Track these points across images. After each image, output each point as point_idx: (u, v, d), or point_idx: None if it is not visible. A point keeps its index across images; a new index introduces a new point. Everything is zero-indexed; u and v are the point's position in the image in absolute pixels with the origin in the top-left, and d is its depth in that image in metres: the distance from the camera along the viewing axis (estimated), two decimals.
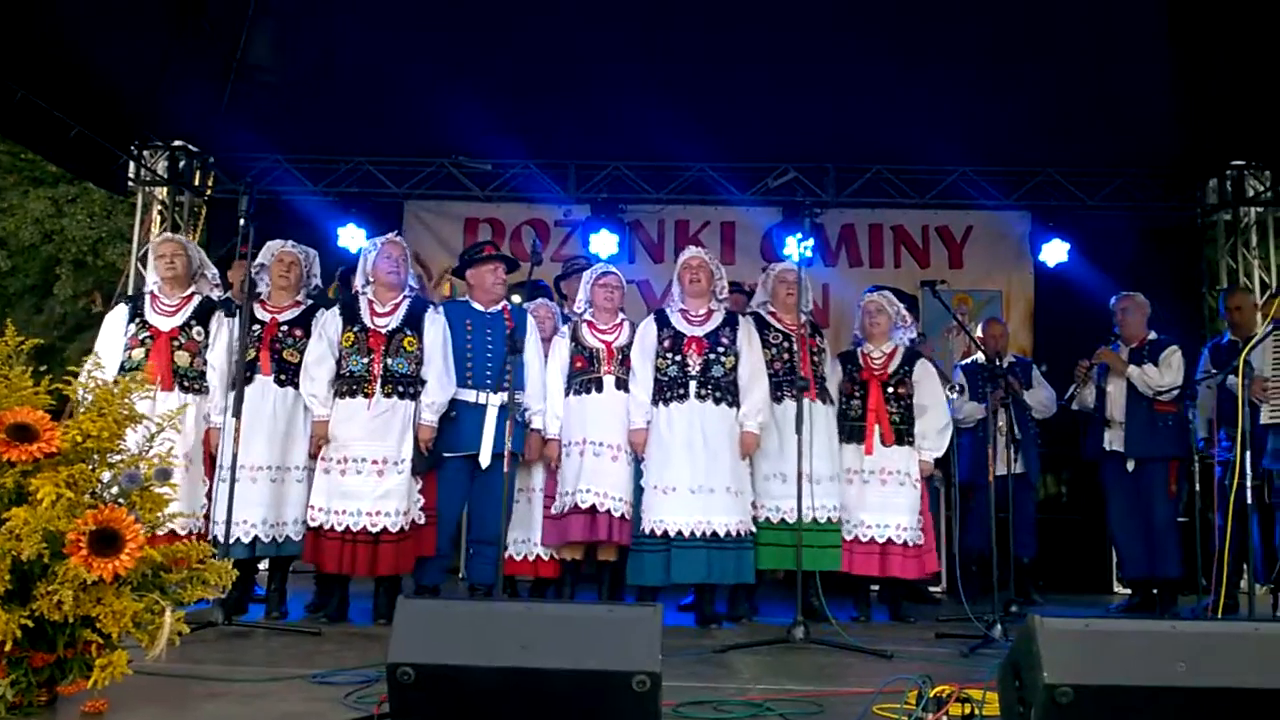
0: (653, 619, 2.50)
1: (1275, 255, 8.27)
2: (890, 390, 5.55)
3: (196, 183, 8.40)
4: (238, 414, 4.45)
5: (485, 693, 2.43)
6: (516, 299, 5.93)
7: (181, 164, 8.23)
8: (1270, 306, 4.88)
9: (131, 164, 7.99)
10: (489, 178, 8.27)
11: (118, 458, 2.89)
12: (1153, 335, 6.23)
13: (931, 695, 2.61)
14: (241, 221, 4.53)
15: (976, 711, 2.64)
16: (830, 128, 7.79)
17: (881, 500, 5.44)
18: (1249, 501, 4.47)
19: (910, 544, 5.41)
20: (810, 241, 7.68)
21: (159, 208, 8.26)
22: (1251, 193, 8.34)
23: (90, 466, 2.81)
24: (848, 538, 5.39)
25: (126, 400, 2.91)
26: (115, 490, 2.80)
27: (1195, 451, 5.87)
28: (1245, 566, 5.31)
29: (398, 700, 2.45)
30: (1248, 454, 4.42)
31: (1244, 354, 4.35)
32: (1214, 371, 5.76)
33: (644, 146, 7.96)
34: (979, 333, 7.05)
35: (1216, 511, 5.65)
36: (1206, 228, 8.69)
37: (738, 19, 7.19)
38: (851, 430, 5.53)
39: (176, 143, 8.13)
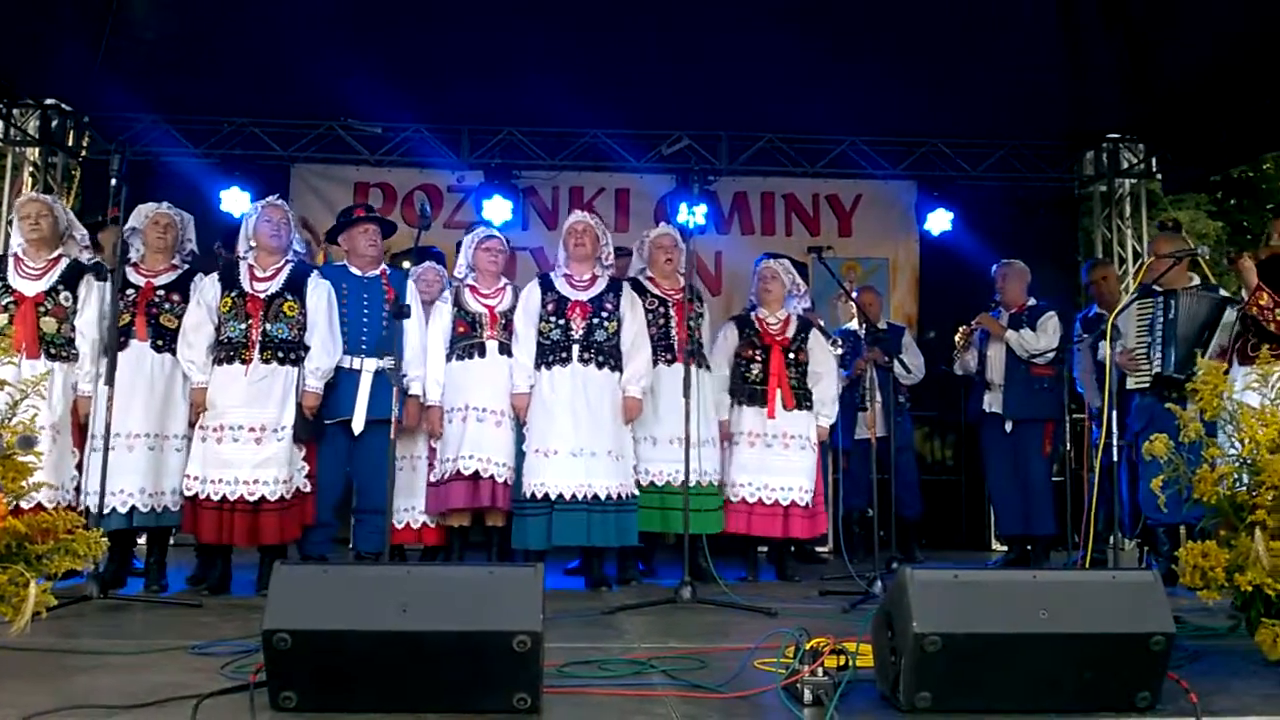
0: (534, 579, 2.51)
1: (1148, 226, 8.62)
2: (791, 356, 5.64)
3: (70, 143, 8.05)
4: (110, 381, 4.30)
5: (364, 657, 2.41)
6: (407, 265, 5.85)
7: (54, 123, 7.89)
8: (1141, 273, 5.08)
9: (0, 123, 7.62)
10: (379, 141, 8.13)
11: None
12: (1031, 301, 6.45)
13: (808, 647, 2.67)
14: (113, 182, 4.36)
15: (851, 663, 2.71)
16: (723, 96, 7.84)
17: (784, 463, 5.53)
18: (1115, 460, 4.66)
19: (807, 505, 5.53)
20: (702, 208, 7.80)
21: (30, 169, 7.91)
22: (1126, 165, 8.67)
23: None
24: (750, 500, 5.47)
25: None
26: None
27: (1074, 413, 6.09)
28: (1114, 523, 5.55)
29: (274, 667, 2.42)
30: (1114, 414, 4.60)
31: (1111, 318, 4.53)
32: (1085, 336, 5.99)
33: (538, 112, 7.90)
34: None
35: (1088, 470, 5.89)
36: (1083, 199, 9.00)
37: None
38: (752, 394, 5.59)
39: (48, 101, 7.78)
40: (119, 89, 7.39)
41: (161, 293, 4.92)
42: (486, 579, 2.51)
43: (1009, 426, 6.32)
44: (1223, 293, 5.38)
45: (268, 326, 4.78)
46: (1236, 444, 3.08)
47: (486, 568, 2.56)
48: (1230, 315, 5.12)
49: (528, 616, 2.42)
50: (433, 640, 2.40)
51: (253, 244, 4.94)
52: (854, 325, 6.88)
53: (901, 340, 7.04)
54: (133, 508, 4.69)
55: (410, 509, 5.27)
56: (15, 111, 7.71)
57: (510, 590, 2.47)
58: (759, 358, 5.63)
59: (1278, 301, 4.38)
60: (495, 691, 2.44)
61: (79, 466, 4.69)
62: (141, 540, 5.17)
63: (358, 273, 5.15)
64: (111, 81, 7.39)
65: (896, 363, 6.81)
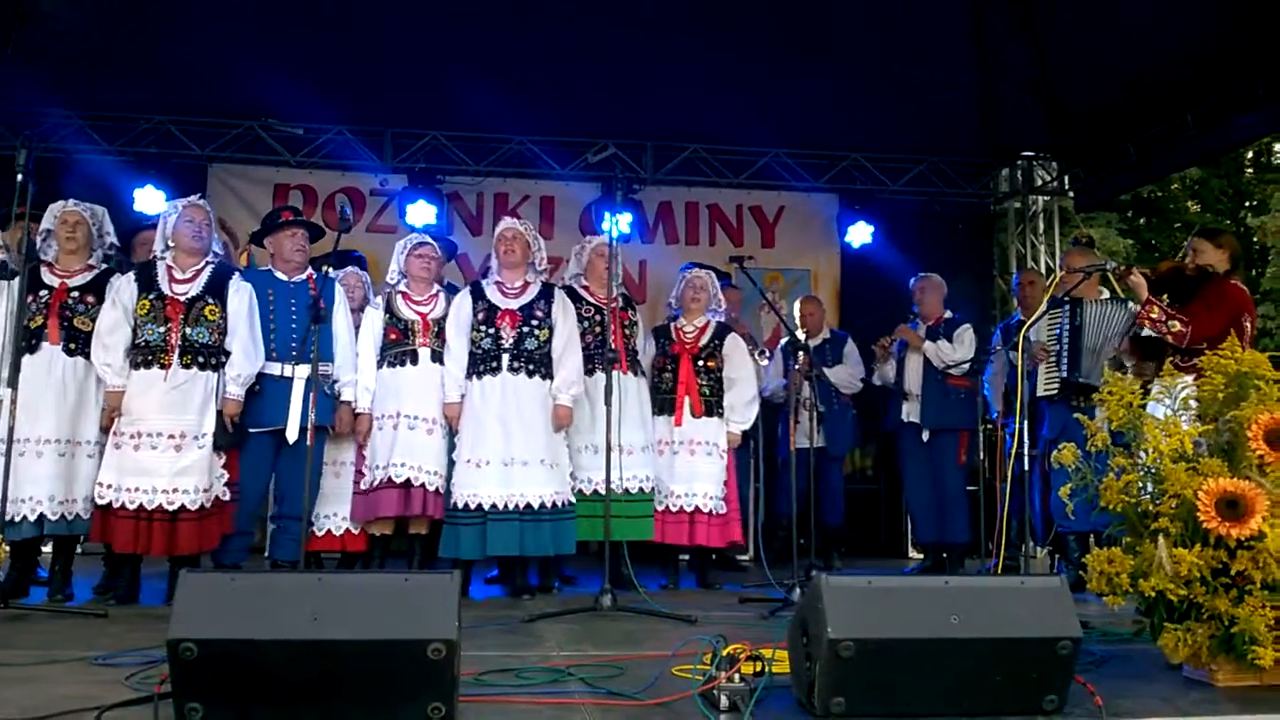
0: (450, 586, 2.48)
1: (1060, 242, 8.86)
2: (700, 363, 5.67)
3: None
4: (14, 384, 4.15)
5: (274, 667, 2.35)
6: (327, 269, 5.75)
7: None
8: (1052, 287, 5.23)
9: None
10: (301, 142, 8.01)
11: None
12: (948, 314, 6.58)
13: (725, 654, 2.68)
14: (19, 178, 4.21)
15: (767, 669, 2.73)
16: (649, 106, 7.90)
17: (690, 470, 5.55)
18: (1025, 469, 4.77)
19: (715, 513, 5.55)
20: (627, 216, 7.82)
21: None
22: (1039, 182, 8.91)
23: None
24: (659, 508, 5.49)
25: None
26: None
27: (986, 423, 6.23)
28: (1025, 530, 5.67)
29: (180, 678, 2.35)
30: (1025, 424, 4.71)
31: (1023, 330, 4.63)
32: (1000, 349, 6.13)
33: (464, 117, 7.87)
34: (796, 309, 7.29)
35: (1000, 480, 6.01)
36: (998, 215, 9.22)
37: None
38: (663, 403, 5.63)
39: None
40: (28, 82, 7.16)
41: (76, 294, 4.77)
42: (401, 586, 2.47)
43: (925, 436, 6.44)
44: (1131, 306, 5.55)
45: (188, 330, 4.65)
46: (1142, 453, 3.16)
47: (401, 574, 2.52)
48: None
49: (443, 624, 2.39)
50: (345, 649, 2.36)
51: (171, 244, 4.79)
52: (801, 335, 6.96)
53: (843, 349, 7.13)
54: (41, 515, 4.54)
55: (333, 515, 5.18)
56: None
57: (425, 598, 2.44)
58: (670, 366, 5.66)
59: (1169, 314, 4.52)
60: (410, 701, 2.40)
61: None
62: (46, 549, 5.00)
63: (284, 277, 5.05)
64: (19, 74, 7.17)
65: (833, 372, 6.94)
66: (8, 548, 4.54)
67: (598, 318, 5.40)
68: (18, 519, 4.46)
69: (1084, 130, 8.00)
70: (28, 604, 4.50)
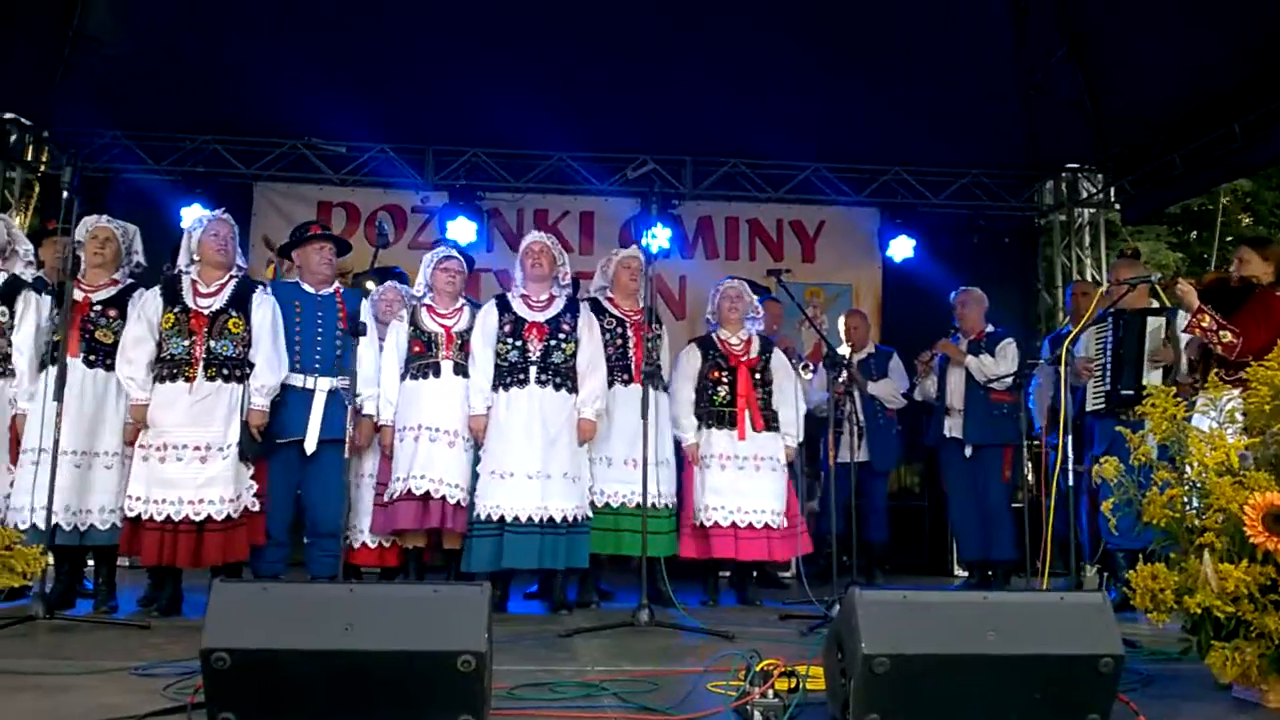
0: (479, 598, 2.48)
1: (1107, 255, 8.73)
2: (757, 376, 5.64)
3: (29, 158, 7.96)
4: (59, 397, 4.21)
5: (306, 677, 2.36)
6: (370, 285, 5.81)
7: (13, 138, 7.79)
8: (1097, 301, 5.14)
9: None
10: (344, 160, 8.12)
11: None
12: (990, 328, 6.50)
13: (758, 669, 2.65)
14: (65, 195, 4.30)
15: (802, 685, 2.69)
16: (689, 121, 7.93)
17: (757, 485, 5.50)
18: (1070, 485, 4.68)
19: (781, 526, 5.52)
20: (668, 231, 7.84)
21: None
22: (1085, 194, 8.79)
23: None
24: (725, 524, 5.43)
25: None
26: None
27: (1031, 438, 6.14)
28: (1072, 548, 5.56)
29: (213, 687, 2.36)
30: (1069, 439, 4.63)
31: (1066, 344, 4.57)
32: (1045, 362, 6.04)
33: (504, 134, 7.94)
34: (840, 323, 7.24)
35: (1046, 496, 5.92)
36: (1043, 228, 9.10)
37: (600, 10, 7.23)
38: (720, 416, 5.57)
39: (7, 115, 7.68)
40: (79, 104, 7.35)
41: (98, 308, 4.84)
42: (431, 598, 2.47)
43: (969, 452, 6.35)
44: (1181, 316, 5.45)
45: (212, 343, 4.68)
46: (1186, 467, 3.09)
47: (431, 586, 2.52)
48: (1154, 323, 5.22)
49: (472, 636, 2.38)
50: (376, 660, 2.36)
51: (196, 259, 4.85)
52: (844, 350, 6.91)
53: (889, 364, 7.06)
54: (54, 525, 4.55)
55: (353, 528, 5.18)
56: None
57: (455, 609, 2.43)
58: (725, 379, 5.61)
59: (1220, 324, 4.44)
60: (440, 712, 2.40)
61: (12, 484, 4.60)
62: (92, 562, 5.07)
63: (311, 290, 5.08)
64: (71, 96, 7.35)
65: (877, 386, 6.88)
66: (51, 559, 4.61)
67: (619, 330, 5.39)
68: (23, 526, 4.42)
69: (1130, 142, 7.89)
70: (74, 615, 4.56)
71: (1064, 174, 8.77)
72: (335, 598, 2.45)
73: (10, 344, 4.72)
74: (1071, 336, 4.87)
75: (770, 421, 5.61)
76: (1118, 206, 8.72)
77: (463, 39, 7.31)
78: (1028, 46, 7.86)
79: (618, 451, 5.23)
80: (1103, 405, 5.57)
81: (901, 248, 8.36)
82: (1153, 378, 5.35)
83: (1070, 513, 5.27)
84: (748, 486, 5.49)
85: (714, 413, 5.57)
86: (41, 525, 4.44)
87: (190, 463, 4.58)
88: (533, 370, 5.02)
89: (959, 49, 7.66)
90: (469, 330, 5.16)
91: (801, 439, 5.78)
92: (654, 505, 5.14)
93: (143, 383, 4.67)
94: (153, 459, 4.60)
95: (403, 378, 5.14)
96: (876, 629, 2.51)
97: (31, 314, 4.73)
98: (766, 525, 5.47)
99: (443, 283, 5.25)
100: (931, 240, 8.37)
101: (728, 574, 5.98)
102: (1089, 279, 8.58)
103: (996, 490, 6.32)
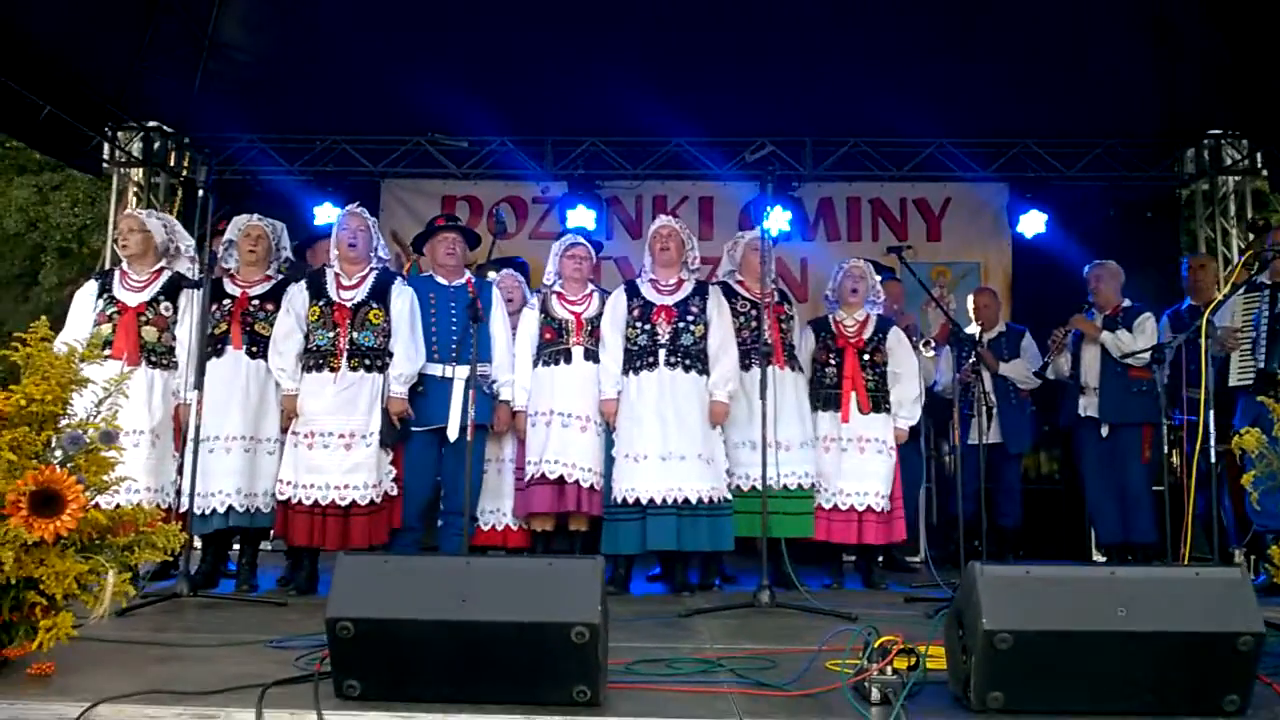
0: (593, 572, 2.50)
1: None
2: (866, 358, 5.54)
3: (171, 163, 8.35)
4: (199, 386, 4.45)
5: (424, 646, 2.43)
6: (492, 274, 5.92)
7: (156, 145, 8.17)
8: (1235, 273, 4.87)
9: (106, 146, 7.94)
10: (466, 155, 8.26)
11: (65, 422, 2.88)
12: (1126, 303, 6.25)
13: (876, 646, 2.61)
14: (200, 193, 4.50)
15: (921, 663, 2.63)
16: (807, 101, 7.80)
17: (860, 468, 5.42)
18: (1212, 463, 4.45)
19: (883, 510, 5.42)
20: (787, 214, 7.75)
21: (134, 190, 8.22)
22: (1229, 161, 8.32)
23: (35, 430, 2.80)
24: (825, 505, 5.39)
25: (72, 365, 2.90)
26: (59, 454, 2.80)
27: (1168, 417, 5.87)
28: (1213, 528, 5.30)
29: (338, 656, 2.45)
30: (1210, 415, 4.40)
31: (1206, 314, 4.34)
32: (1175, 336, 5.76)
33: (621, 122, 7.94)
34: (969, 302, 7.06)
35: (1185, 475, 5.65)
36: (1185, 199, 8.67)
37: None
38: (828, 398, 5.51)
39: (150, 123, 8.06)
40: (216, 110, 7.66)
41: (256, 302, 5.09)
42: (545, 571, 2.51)
43: (1105, 431, 6.12)
44: None
45: (355, 335, 4.88)
46: None
47: (545, 560, 2.56)
48: None
49: (586, 608, 2.41)
50: (491, 630, 2.41)
51: (336, 253, 5.05)
52: (973, 329, 6.74)
53: (1020, 343, 6.85)
54: (230, 508, 4.83)
55: (496, 510, 5.33)
56: (120, 134, 8.01)
57: (569, 582, 2.47)
58: (834, 361, 5.54)
59: None
60: (555, 683, 2.44)
61: (180, 470, 4.84)
62: (237, 544, 5.32)
63: (443, 282, 5.23)
64: (209, 103, 7.67)
65: (1009, 366, 6.68)
66: (199, 540, 4.86)
67: (753, 313, 5.35)
68: (208, 512, 4.77)
69: (1276, 104, 7.43)
70: (217, 594, 4.79)
71: (1205, 141, 8.32)
72: (452, 570, 2.51)
73: (175, 338, 4.98)
74: (1212, 307, 4.62)
75: (880, 403, 5.51)
76: (1265, 173, 8.23)
77: (577, 30, 7.35)
78: (1163, 6, 7.49)
79: (759, 434, 5.20)
80: (1250, 382, 5.28)
81: (1033, 223, 8.05)
82: None
83: (1213, 493, 5.03)
84: (848, 469, 5.41)
85: (822, 394, 5.51)
86: (220, 509, 4.74)
87: (336, 449, 4.78)
88: (662, 353, 5.04)
89: (1088, 11, 7.34)
90: (598, 316, 5.23)
91: (915, 421, 5.66)
92: (791, 486, 5.12)
93: (292, 373, 4.90)
94: (301, 445, 4.82)
95: (535, 364, 5.23)
96: (999, 604, 2.44)
97: (194, 310, 4.97)
98: (869, 509, 5.38)
99: (571, 270, 5.33)
100: (1065, 214, 8.04)
101: (853, 558, 5.89)
102: (1235, 250, 8.13)
103: (1136, 471, 6.06)
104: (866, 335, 5.58)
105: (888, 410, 5.53)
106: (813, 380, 5.55)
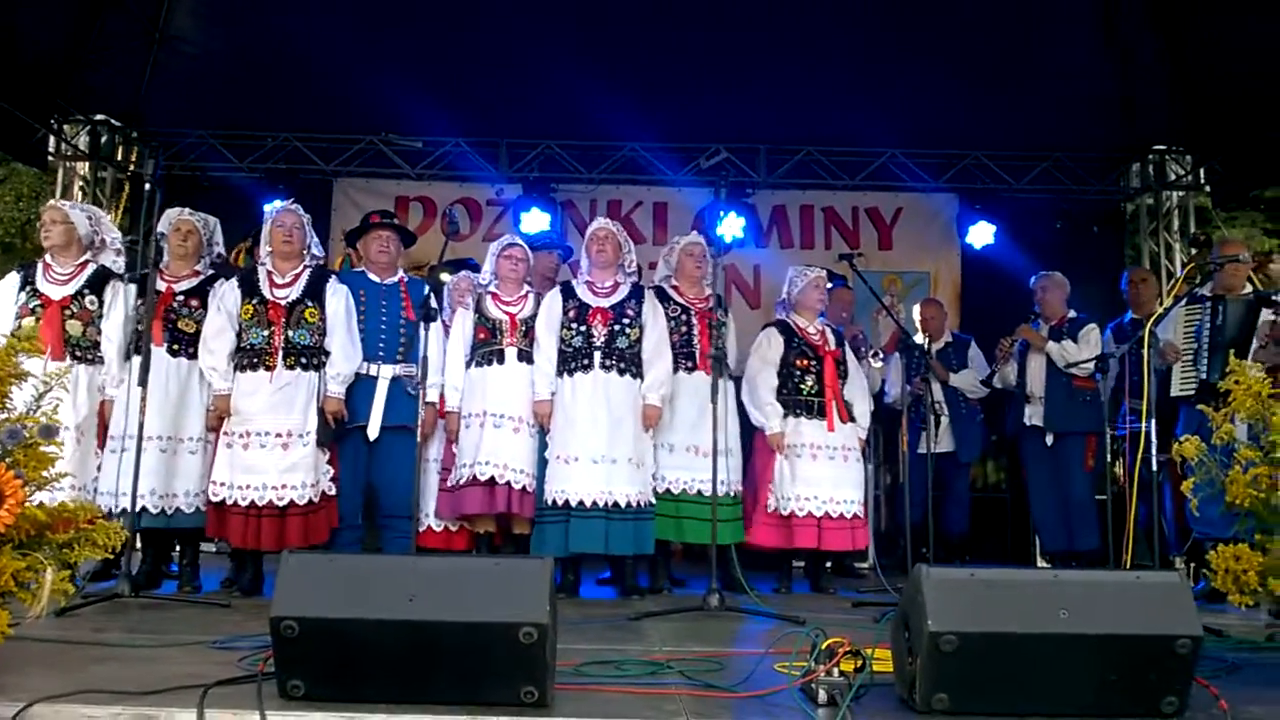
0: (542, 572, 2.49)
1: None
2: (841, 368, 5.60)
3: (119, 158, 8.20)
4: (143, 383, 4.34)
5: (371, 646, 2.40)
6: (446, 277, 5.89)
7: (104, 139, 8.04)
8: (1176, 286, 4.98)
9: (52, 139, 7.79)
10: (420, 155, 8.22)
11: (3, 416, 2.81)
12: (1072, 314, 6.35)
13: (823, 648, 2.62)
14: (147, 187, 4.43)
15: (868, 665, 2.65)
16: (762, 109, 7.84)
17: (847, 476, 5.48)
18: (1154, 471, 4.53)
19: (859, 516, 5.50)
20: (742, 220, 7.78)
21: (80, 184, 8.06)
22: (1173, 177, 8.51)
23: None
24: (818, 514, 5.38)
25: (11, 360, 2.84)
26: None
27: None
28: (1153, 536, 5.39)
29: (282, 655, 2.42)
30: (1153, 424, 4.48)
31: (1149, 325, 4.42)
32: (1118, 346, 5.86)
33: (576, 126, 7.96)
34: (916, 312, 7.13)
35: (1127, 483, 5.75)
36: (1130, 213, 8.83)
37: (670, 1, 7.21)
38: (810, 405, 5.50)
39: (98, 116, 7.93)
40: (165, 104, 7.55)
41: (181, 298, 4.98)
42: (494, 570, 2.49)
43: (1050, 440, 6.21)
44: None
45: (290, 333, 4.81)
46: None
47: (493, 560, 2.54)
48: (1266, 314, 5.00)
49: (534, 608, 2.40)
50: (439, 630, 2.39)
51: (269, 249, 4.98)
52: (919, 338, 6.80)
53: (967, 353, 6.93)
54: (143, 509, 4.68)
55: (430, 515, 5.25)
56: (66, 127, 7.86)
57: (517, 582, 2.45)
58: (813, 368, 5.54)
59: None
60: (502, 683, 2.42)
61: (99, 467, 4.75)
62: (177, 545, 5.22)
63: (375, 279, 5.18)
64: (158, 97, 7.56)
65: (958, 377, 6.76)
66: (138, 541, 4.76)
67: (684, 317, 5.38)
68: (116, 511, 4.57)
69: (1221, 121, 7.60)
70: (160, 595, 4.71)
71: (1150, 156, 8.49)
72: (400, 569, 2.48)
73: (100, 332, 4.88)
74: (1154, 319, 4.71)
75: (850, 412, 5.57)
76: (1208, 189, 8.42)
77: (535, 32, 7.34)
78: (1111, 19, 7.62)
79: (680, 438, 5.23)
80: (1192, 392, 5.39)
81: (981, 234, 8.18)
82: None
83: (1155, 501, 5.12)
84: (839, 477, 5.45)
85: (802, 402, 5.50)
86: (115, 508, 4.59)
87: (273, 449, 4.71)
88: (597, 356, 5.04)
89: (1039, 24, 7.45)
90: (533, 317, 5.21)
91: (865, 432, 5.72)
92: (721, 494, 5.12)
93: (225, 373, 4.81)
94: (236, 446, 4.73)
95: (468, 365, 5.20)
96: (944, 606, 2.46)
97: (120, 303, 4.88)
98: (856, 515, 5.45)
99: (507, 270, 5.30)
100: (1013, 226, 8.18)
101: (801, 564, 5.92)
102: (1178, 263, 8.31)
103: (1079, 479, 6.17)
104: (832, 345, 5.61)
105: (854, 419, 5.60)
106: (786, 386, 5.52)
